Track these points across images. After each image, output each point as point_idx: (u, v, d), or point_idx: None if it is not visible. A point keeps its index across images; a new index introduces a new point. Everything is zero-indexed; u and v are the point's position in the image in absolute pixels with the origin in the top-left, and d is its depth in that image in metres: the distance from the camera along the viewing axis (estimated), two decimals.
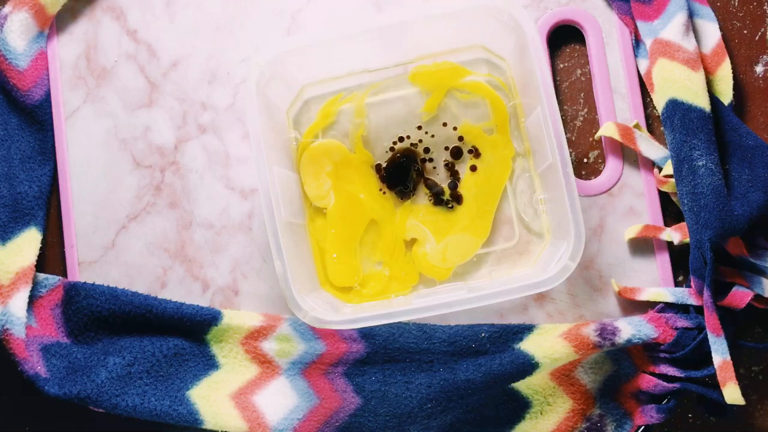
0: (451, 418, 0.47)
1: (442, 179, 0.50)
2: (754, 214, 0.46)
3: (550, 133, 0.44)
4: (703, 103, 0.47)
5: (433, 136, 0.51)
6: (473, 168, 0.50)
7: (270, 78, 0.47)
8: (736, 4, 0.51)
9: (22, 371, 0.46)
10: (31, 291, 0.49)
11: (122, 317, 0.49)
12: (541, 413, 0.47)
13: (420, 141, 0.50)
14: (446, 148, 0.50)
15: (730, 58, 0.49)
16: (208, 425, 0.48)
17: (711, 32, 0.49)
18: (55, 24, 0.53)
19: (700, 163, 0.46)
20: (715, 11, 0.50)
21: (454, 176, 0.50)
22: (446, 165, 0.50)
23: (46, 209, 0.51)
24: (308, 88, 0.51)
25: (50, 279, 0.50)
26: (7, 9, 0.51)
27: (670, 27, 0.48)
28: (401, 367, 0.49)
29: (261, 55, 0.46)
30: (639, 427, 0.48)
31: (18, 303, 0.47)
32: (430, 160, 0.50)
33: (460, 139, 0.50)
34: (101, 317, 0.49)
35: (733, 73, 0.49)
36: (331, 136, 0.51)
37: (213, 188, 0.51)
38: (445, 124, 0.51)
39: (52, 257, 0.52)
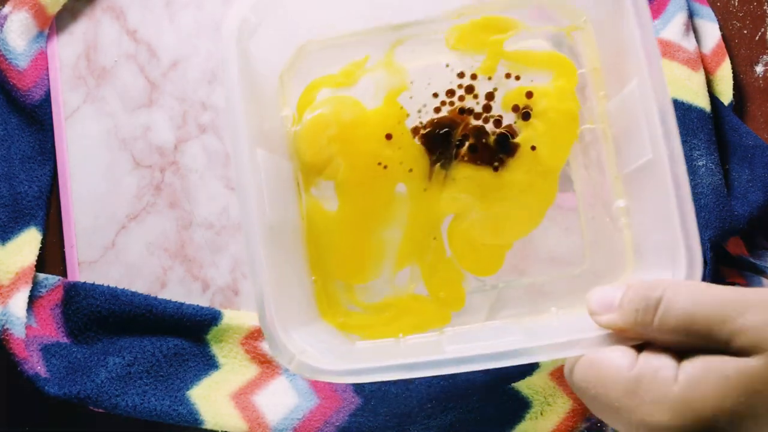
0: (451, 418, 0.47)
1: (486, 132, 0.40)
2: (754, 214, 0.46)
3: (653, 116, 0.32)
4: (703, 103, 0.47)
5: (476, 96, 0.40)
6: (526, 115, 0.39)
7: (257, 27, 0.35)
8: (736, 4, 0.51)
9: (21, 371, 0.46)
10: (31, 291, 0.49)
11: (122, 317, 0.49)
12: (542, 413, 0.47)
13: (461, 98, 0.40)
14: (489, 101, 0.39)
15: (730, 58, 0.49)
16: (208, 425, 0.48)
17: (711, 32, 0.49)
18: (55, 24, 0.53)
19: (700, 163, 0.46)
20: (715, 11, 0.50)
21: (506, 128, 0.40)
22: (494, 120, 0.40)
23: (46, 209, 0.51)
24: (310, 47, 0.40)
25: (50, 279, 0.50)
26: (7, 9, 0.51)
27: (670, 27, 0.48)
28: None
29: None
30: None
31: (18, 303, 0.47)
32: (478, 116, 0.39)
33: (511, 77, 0.39)
34: (101, 317, 0.49)
35: (733, 73, 0.49)
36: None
37: (213, 188, 0.51)
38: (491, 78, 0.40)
39: (52, 257, 0.52)
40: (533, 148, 0.38)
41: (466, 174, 0.39)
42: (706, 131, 0.46)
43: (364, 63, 0.40)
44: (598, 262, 0.38)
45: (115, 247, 0.51)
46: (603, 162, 0.39)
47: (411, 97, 0.40)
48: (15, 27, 0.51)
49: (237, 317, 0.49)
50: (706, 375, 0.26)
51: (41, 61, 0.52)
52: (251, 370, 0.49)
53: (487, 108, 0.40)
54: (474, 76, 0.40)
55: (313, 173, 0.41)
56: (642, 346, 0.29)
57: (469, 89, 0.40)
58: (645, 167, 0.34)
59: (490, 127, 0.40)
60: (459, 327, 0.39)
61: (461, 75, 0.41)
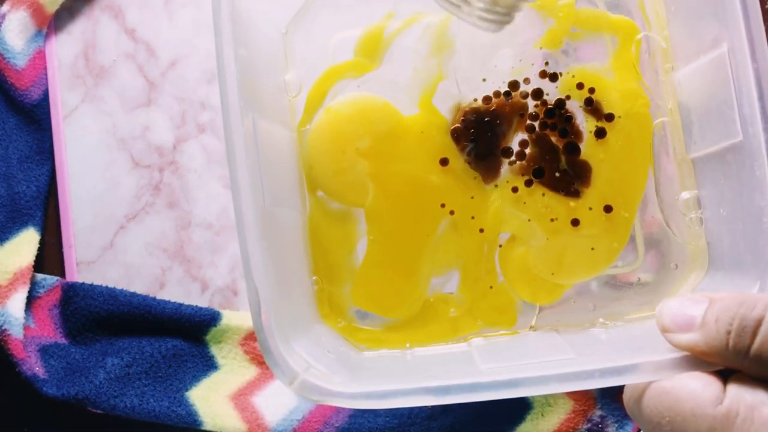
0: (452, 419, 0.47)
1: (555, 146, 0.33)
2: None
3: (750, 90, 0.25)
4: None
5: (542, 74, 0.33)
6: (600, 133, 0.32)
7: None
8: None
9: (20, 372, 0.46)
10: (29, 291, 0.49)
11: (121, 318, 0.49)
12: (542, 414, 0.47)
13: (526, 81, 0.33)
14: (559, 105, 0.33)
15: None
16: (207, 426, 0.47)
17: None
18: (54, 23, 0.53)
19: None
20: None
21: (573, 140, 0.33)
22: (561, 129, 0.33)
23: (44, 209, 0.51)
24: (317, 1, 0.33)
25: (48, 279, 0.50)
26: (5, 8, 0.51)
27: None
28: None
29: None
30: (640, 428, 0.47)
31: (16, 303, 0.47)
32: (535, 117, 0.33)
33: (579, 87, 0.33)
34: (100, 318, 0.49)
35: None
36: (367, 89, 0.32)
37: (212, 188, 0.51)
38: (545, 73, 0.33)
39: (50, 257, 0.52)
40: (609, 169, 0.32)
41: (529, 194, 0.32)
42: None
43: (385, 28, 0.32)
44: (653, 264, 0.31)
45: (114, 247, 0.51)
46: (668, 143, 0.32)
47: (457, 83, 0.32)
48: (13, 26, 0.51)
49: (236, 318, 0.49)
50: None
51: (39, 60, 0.52)
52: (250, 371, 0.49)
53: (549, 113, 0.33)
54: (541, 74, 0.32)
55: (328, 191, 0.33)
56: (726, 373, 0.24)
57: (537, 93, 0.33)
58: (728, 152, 0.28)
59: (555, 138, 0.33)
60: (488, 334, 0.32)
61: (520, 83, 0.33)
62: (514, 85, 0.34)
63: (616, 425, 0.47)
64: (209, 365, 0.49)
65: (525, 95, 0.33)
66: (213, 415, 0.47)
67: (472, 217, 0.32)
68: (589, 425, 0.47)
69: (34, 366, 0.47)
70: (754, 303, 0.23)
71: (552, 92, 0.33)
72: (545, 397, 0.47)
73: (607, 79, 0.33)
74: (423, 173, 0.32)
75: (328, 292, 0.34)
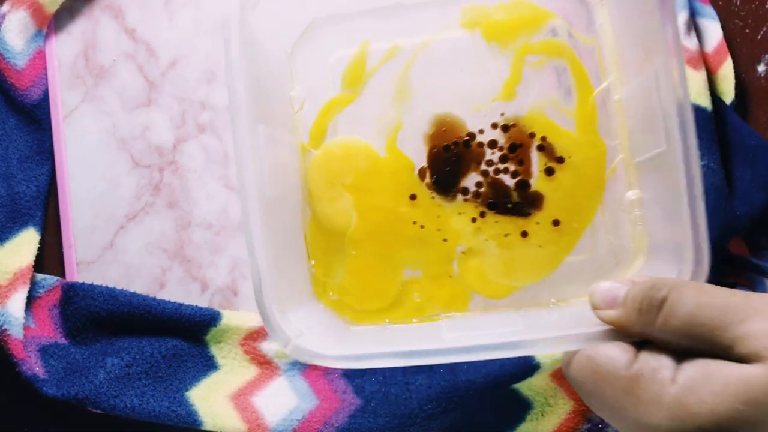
0: (452, 420, 0.47)
1: (507, 179, 0.39)
2: (755, 215, 0.46)
3: (670, 106, 0.31)
4: (705, 102, 0.47)
5: (494, 125, 0.38)
6: (549, 171, 0.38)
7: (260, 1, 0.34)
8: (738, 3, 0.51)
9: (20, 372, 0.46)
10: (29, 291, 0.49)
11: (121, 318, 0.49)
12: (542, 414, 0.47)
13: (480, 131, 0.38)
14: (512, 148, 0.38)
15: (732, 58, 0.49)
16: (207, 426, 0.47)
17: (713, 31, 0.49)
18: (54, 23, 0.53)
19: (702, 163, 0.46)
20: (717, 10, 0.50)
21: (525, 178, 0.38)
22: (513, 171, 0.39)
23: (44, 209, 0.51)
24: (321, 24, 0.38)
25: (48, 279, 0.50)
26: (5, 8, 0.51)
27: None
28: (401, 368, 0.49)
29: None
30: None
31: (16, 303, 0.47)
32: (491, 163, 0.39)
33: (530, 135, 0.38)
34: (99, 318, 0.49)
35: (735, 72, 0.49)
36: (356, 114, 0.37)
37: (212, 188, 0.51)
38: (497, 125, 0.37)
39: (50, 257, 0.52)
40: (559, 198, 0.38)
41: (488, 221, 0.38)
42: (708, 131, 0.46)
43: (365, 58, 0.38)
44: (603, 255, 0.37)
45: (114, 247, 0.51)
46: (617, 147, 0.37)
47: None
48: (13, 26, 0.51)
49: (236, 318, 0.49)
50: (706, 379, 0.25)
51: (39, 60, 0.52)
52: (250, 371, 0.49)
53: (503, 156, 0.39)
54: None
55: (321, 215, 0.39)
56: (642, 344, 0.29)
57: (492, 143, 0.38)
58: (658, 158, 0.33)
59: (509, 169, 0.39)
60: (457, 314, 0.39)
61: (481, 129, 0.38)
62: (472, 135, 0.39)
63: None
64: (209, 365, 0.49)
65: (481, 144, 0.38)
66: (213, 415, 0.47)
67: (438, 229, 0.38)
68: (589, 425, 0.47)
69: (34, 366, 0.47)
70: (661, 286, 0.27)
71: (507, 137, 0.39)
72: (545, 397, 0.47)
73: (562, 129, 0.38)
74: (395, 206, 0.39)
75: (324, 279, 0.40)
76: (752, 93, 0.50)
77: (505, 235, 0.38)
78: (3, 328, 0.46)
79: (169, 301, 0.49)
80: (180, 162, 0.51)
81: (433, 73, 0.38)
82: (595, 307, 0.30)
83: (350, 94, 0.39)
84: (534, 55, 0.38)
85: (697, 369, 0.26)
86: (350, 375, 0.49)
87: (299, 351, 0.33)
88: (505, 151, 0.38)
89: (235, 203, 0.51)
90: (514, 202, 0.38)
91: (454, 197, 0.39)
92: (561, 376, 0.47)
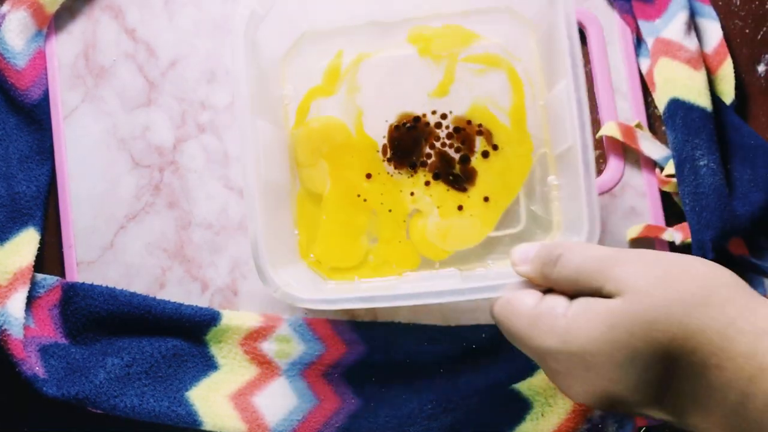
0: (451, 420, 0.47)
1: (452, 152, 0.48)
2: (755, 214, 0.46)
3: (573, 110, 0.40)
4: (705, 102, 0.47)
5: (443, 115, 0.48)
6: (485, 154, 0.47)
7: (264, 18, 0.42)
8: (738, 3, 0.51)
9: (20, 372, 0.46)
10: (29, 291, 0.49)
11: (121, 318, 0.49)
12: (542, 414, 0.47)
13: (433, 112, 0.47)
14: (456, 130, 0.47)
15: (732, 58, 0.49)
16: (207, 426, 0.47)
17: (713, 31, 0.49)
18: (54, 23, 0.53)
19: (702, 163, 0.46)
20: (717, 10, 0.50)
21: (467, 153, 0.47)
22: (456, 147, 0.48)
23: (45, 209, 0.51)
24: (308, 37, 0.47)
25: (48, 279, 0.50)
26: (5, 8, 0.51)
27: (672, 26, 0.48)
28: (401, 367, 0.49)
29: None
30: (640, 428, 0.47)
31: (16, 303, 0.47)
32: (438, 138, 0.48)
33: (469, 123, 0.48)
34: (100, 318, 0.49)
35: (734, 72, 0.49)
36: (333, 105, 0.47)
37: (212, 188, 0.51)
38: (435, 112, 0.48)
39: (50, 257, 0.52)
40: (490, 181, 0.47)
41: (434, 185, 0.48)
42: (708, 131, 0.46)
43: (340, 64, 0.48)
44: (532, 227, 0.47)
45: (114, 247, 0.51)
46: (542, 141, 0.47)
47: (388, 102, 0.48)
48: (13, 26, 0.51)
49: (236, 318, 0.49)
50: (584, 312, 0.33)
51: (40, 60, 0.52)
52: (250, 371, 0.49)
53: (449, 134, 0.48)
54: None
55: (303, 179, 0.48)
56: (547, 291, 0.36)
57: (437, 125, 0.48)
58: (567, 152, 0.42)
59: (454, 147, 0.48)
60: (415, 273, 0.47)
61: (433, 114, 0.48)
62: (420, 118, 0.48)
63: (616, 425, 0.47)
64: (209, 365, 0.49)
65: (428, 124, 0.48)
66: (213, 414, 0.47)
67: (387, 205, 0.48)
68: (589, 425, 0.47)
69: (35, 366, 0.47)
70: (558, 246, 0.35)
71: (452, 121, 0.48)
72: (545, 397, 0.47)
73: (500, 122, 0.47)
74: (358, 179, 0.48)
75: (307, 243, 0.48)
76: (752, 93, 0.50)
77: (445, 206, 0.47)
78: (3, 328, 0.46)
79: (169, 301, 0.49)
80: (180, 162, 0.51)
81: (391, 73, 0.48)
82: (512, 264, 0.38)
83: (328, 89, 0.48)
84: (477, 64, 0.48)
85: (581, 305, 0.33)
86: (350, 375, 0.49)
87: (286, 296, 0.41)
88: (450, 131, 0.47)
89: (235, 203, 0.51)
90: (455, 174, 0.47)
91: (408, 169, 0.48)
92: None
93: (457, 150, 0.47)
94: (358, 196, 0.48)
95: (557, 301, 0.34)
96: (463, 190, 0.47)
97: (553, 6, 0.41)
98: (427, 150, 0.48)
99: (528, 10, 0.45)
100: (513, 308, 0.36)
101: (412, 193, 0.48)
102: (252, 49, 0.41)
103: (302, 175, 0.48)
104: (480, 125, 0.47)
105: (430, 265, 0.48)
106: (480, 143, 0.48)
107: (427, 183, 0.47)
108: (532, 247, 0.37)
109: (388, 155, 0.48)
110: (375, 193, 0.48)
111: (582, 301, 0.33)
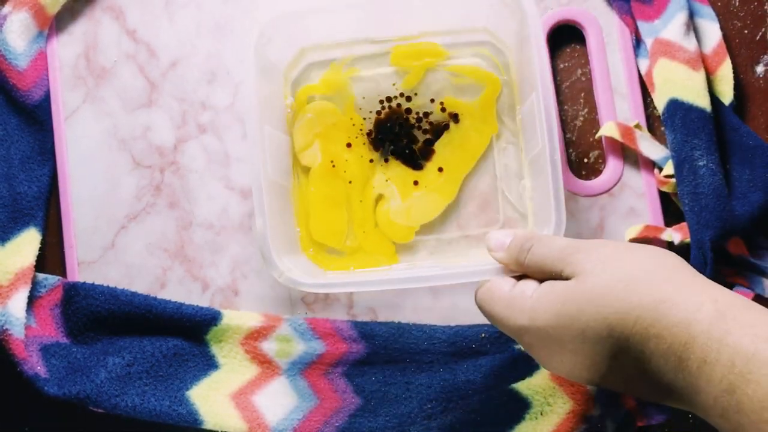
0: (451, 419, 0.47)
1: (419, 134, 0.51)
2: (754, 214, 0.46)
3: (542, 118, 0.44)
4: (704, 103, 0.47)
5: (424, 115, 0.51)
6: (446, 126, 0.51)
7: (270, 38, 0.47)
8: (737, 4, 0.51)
9: (21, 371, 0.46)
10: (30, 291, 0.49)
11: (122, 317, 0.49)
12: (541, 414, 0.47)
13: (407, 110, 0.52)
14: (427, 115, 0.51)
15: (731, 58, 0.49)
16: (207, 425, 0.48)
17: (712, 32, 0.49)
18: (55, 24, 0.53)
19: (701, 163, 0.46)
20: (716, 11, 0.50)
21: (433, 137, 0.51)
22: (425, 130, 0.51)
23: (46, 209, 0.51)
24: (308, 52, 0.51)
25: (49, 279, 0.50)
26: (6, 9, 0.51)
27: (671, 27, 0.48)
28: (401, 367, 0.49)
29: (261, 11, 0.46)
30: (640, 428, 0.47)
31: (17, 303, 0.47)
32: (417, 126, 0.51)
33: (443, 110, 0.51)
34: (101, 317, 0.49)
35: (733, 73, 0.49)
36: (326, 99, 0.52)
37: (213, 188, 0.51)
38: (432, 101, 0.52)
39: (51, 257, 0.52)
40: (447, 155, 0.51)
41: (396, 170, 0.51)
42: (707, 131, 0.46)
43: (336, 72, 0.52)
44: (510, 222, 0.51)
45: (115, 247, 0.51)
46: (518, 149, 0.51)
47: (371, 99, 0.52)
48: (15, 27, 0.51)
49: (237, 317, 0.49)
50: (546, 292, 0.37)
51: (41, 61, 0.52)
52: (251, 370, 0.49)
53: (419, 118, 0.52)
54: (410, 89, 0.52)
55: (300, 155, 0.51)
56: (521, 277, 0.41)
57: (408, 99, 0.52)
58: (538, 155, 0.46)
59: (421, 128, 0.52)
60: (404, 264, 0.51)
61: (402, 94, 0.52)
62: (394, 99, 0.52)
63: (615, 425, 0.47)
64: (210, 364, 0.49)
65: (399, 105, 0.52)
66: (214, 414, 0.48)
67: (350, 182, 0.51)
68: (589, 425, 0.47)
69: (36, 365, 0.47)
70: (530, 236, 0.40)
71: (420, 107, 0.52)
72: (544, 397, 0.47)
73: (465, 102, 0.51)
74: (340, 150, 0.51)
75: (307, 237, 0.51)
76: (751, 94, 0.50)
77: (403, 183, 0.51)
78: (4, 327, 0.46)
79: (170, 301, 0.49)
80: (181, 162, 0.51)
81: (375, 75, 0.52)
82: (489, 250, 0.42)
83: (325, 91, 0.52)
84: (457, 73, 0.51)
85: (544, 287, 0.38)
86: (350, 375, 0.49)
87: (289, 280, 0.45)
88: (420, 115, 0.51)
89: (236, 203, 0.51)
90: (412, 149, 0.51)
91: (380, 145, 0.51)
92: (560, 376, 0.47)
93: (425, 132, 0.51)
94: (334, 167, 0.51)
95: (528, 285, 0.39)
96: (419, 167, 0.51)
97: (523, 27, 0.45)
98: (397, 131, 0.51)
99: (503, 29, 0.50)
100: (492, 294, 0.40)
101: (379, 175, 0.51)
102: (261, 61, 0.46)
103: (298, 155, 0.51)
104: (442, 103, 0.51)
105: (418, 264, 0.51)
106: (444, 119, 0.51)
107: (386, 160, 0.51)
108: (507, 236, 0.41)
109: (372, 136, 0.51)
110: (353, 166, 0.51)
111: (546, 284, 0.38)
